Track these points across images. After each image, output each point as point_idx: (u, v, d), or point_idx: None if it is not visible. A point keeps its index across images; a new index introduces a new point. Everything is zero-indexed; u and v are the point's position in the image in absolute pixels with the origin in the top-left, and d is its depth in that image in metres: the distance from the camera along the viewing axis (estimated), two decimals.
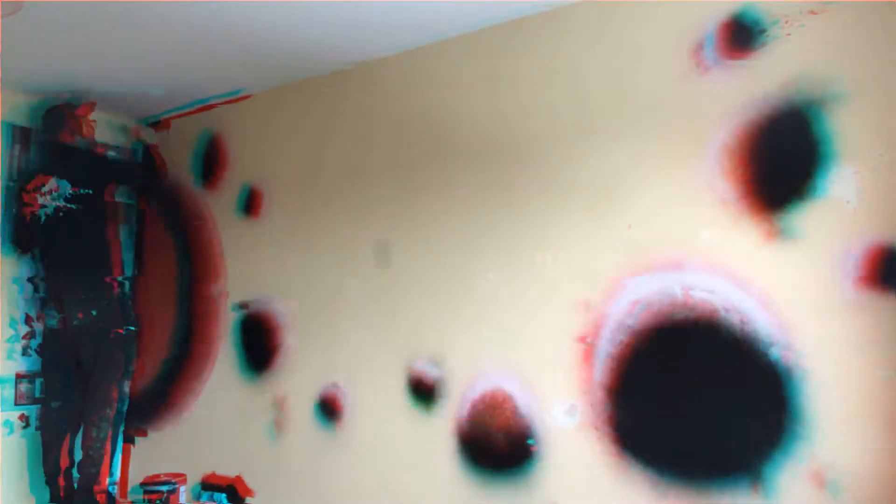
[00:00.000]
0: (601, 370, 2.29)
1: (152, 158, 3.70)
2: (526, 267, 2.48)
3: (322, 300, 3.08)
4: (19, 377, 3.47)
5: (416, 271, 2.77)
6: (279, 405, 3.17)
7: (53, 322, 3.32)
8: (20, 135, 3.50)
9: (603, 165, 2.35)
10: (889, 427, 1.83)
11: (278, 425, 3.17)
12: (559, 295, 2.40)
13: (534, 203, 2.48)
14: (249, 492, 3.26)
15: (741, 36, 2.12)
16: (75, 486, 3.25)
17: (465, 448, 2.57)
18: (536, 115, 2.52)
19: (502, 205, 2.56)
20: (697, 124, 2.17)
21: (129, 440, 3.78)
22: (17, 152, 3.50)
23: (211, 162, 3.61)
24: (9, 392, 3.40)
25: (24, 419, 3.47)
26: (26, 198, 3.39)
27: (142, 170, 3.77)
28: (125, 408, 3.37)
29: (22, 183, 3.47)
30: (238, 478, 3.30)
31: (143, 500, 3.28)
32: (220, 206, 3.55)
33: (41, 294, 3.50)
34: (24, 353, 3.50)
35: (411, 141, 2.85)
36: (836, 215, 1.93)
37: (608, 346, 2.28)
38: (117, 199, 3.64)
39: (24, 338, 3.50)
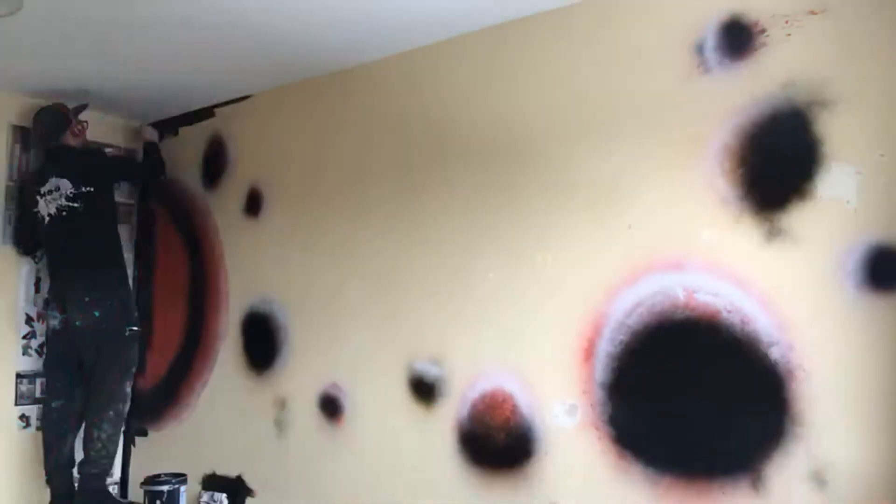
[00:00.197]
0: (601, 370, 2.29)
1: (154, 158, 3.69)
2: (526, 267, 2.48)
3: (322, 300, 3.08)
4: (19, 377, 3.48)
5: (416, 271, 2.77)
6: (280, 405, 3.18)
7: (55, 322, 3.32)
8: (21, 135, 3.51)
9: (603, 165, 2.35)
10: (889, 427, 1.83)
11: (279, 425, 3.17)
12: (559, 295, 2.40)
13: (534, 203, 2.48)
14: (251, 491, 3.26)
15: (741, 36, 2.11)
16: (75, 485, 3.24)
17: (465, 447, 2.57)
18: (536, 114, 2.51)
19: (502, 205, 2.55)
20: (697, 124, 2.17)
21: (130, 440, 3.79)
22: (17, 152, 3.51)
23: (212, 162, 3.60)
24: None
25: (24, 419, 3.48)
26: (27, 198, 3.40)
27: (143, 169, 3.77)
28: (127, 408, 3.36)
29: (22, 183, 3.48)
30: (239, 477, 3.31)
31: (145, 499, 3.29)
32: (221, 206, 3.55)
33: (43, 294, 3.51)
34: (25, 353, 3.51)
35: (411, 141, 2.85)
36: (837, 215, 1.93)
37: (608, 346, 2.28)
38: (119, 199, 3.64)
39: (24, 338, 3.51)
